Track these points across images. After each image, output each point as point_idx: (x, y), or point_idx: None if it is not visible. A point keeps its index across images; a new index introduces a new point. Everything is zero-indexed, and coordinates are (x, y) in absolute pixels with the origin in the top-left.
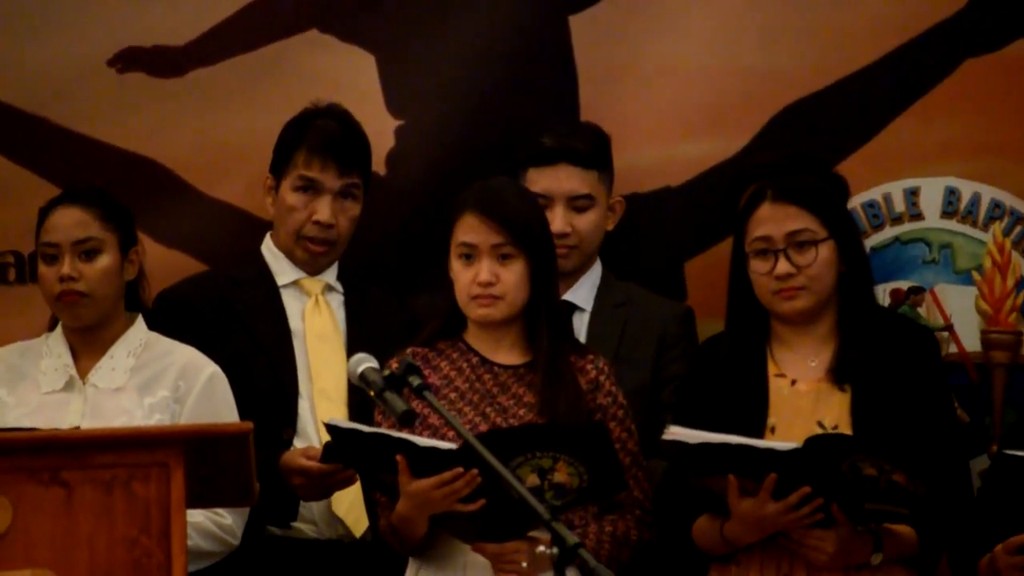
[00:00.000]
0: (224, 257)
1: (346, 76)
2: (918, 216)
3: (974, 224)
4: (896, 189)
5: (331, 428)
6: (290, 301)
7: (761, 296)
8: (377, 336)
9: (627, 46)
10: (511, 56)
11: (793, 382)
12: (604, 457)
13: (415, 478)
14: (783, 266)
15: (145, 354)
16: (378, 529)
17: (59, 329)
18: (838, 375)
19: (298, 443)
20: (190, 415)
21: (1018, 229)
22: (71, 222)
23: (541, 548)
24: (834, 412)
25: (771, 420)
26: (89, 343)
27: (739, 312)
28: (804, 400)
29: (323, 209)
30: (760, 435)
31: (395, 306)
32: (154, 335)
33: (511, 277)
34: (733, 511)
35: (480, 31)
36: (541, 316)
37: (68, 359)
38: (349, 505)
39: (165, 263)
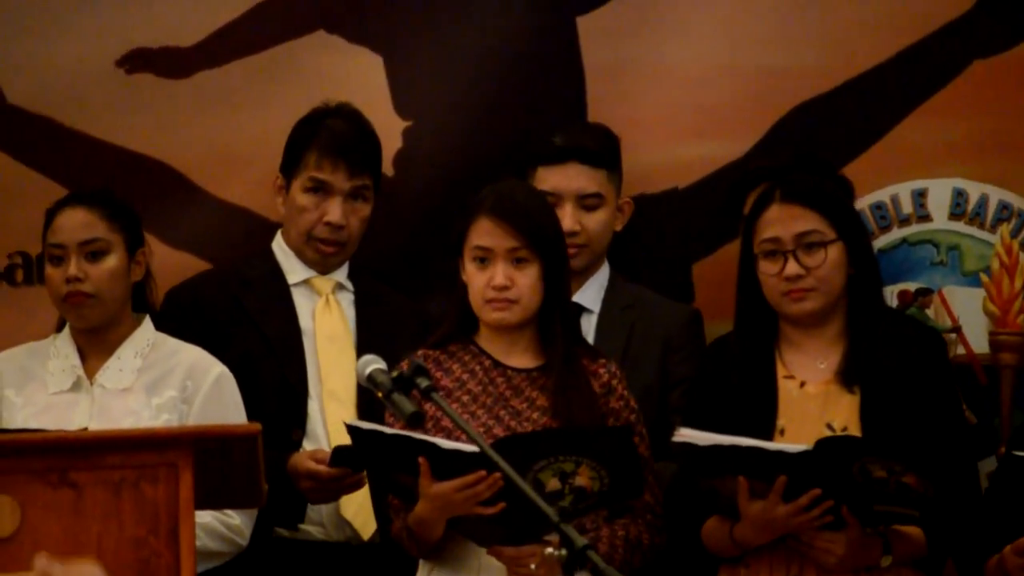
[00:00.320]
0: (232, 258)
1: (354, 77)
2: (926, 218)
3: (982, 226)
4: (904, 191)
5: (352, 429)
6: (301, 300)
7: (770, 297)
8: (387, 336)
9: (635, 47)
10: (519, 57)
11: (802, 384)
12: (627, 460)
13: (436, 480)
14: (792, 267)
15: (152, 354)
16: (390, 531)
17: (67, 330)
18: (847, 377)
19: (307, 444)
20: (198, 415)
21: None
22: (77, 223)
23: (550, 550)
24: (843, 414)
25: (780, 422)
26: (96, 344)
27: (748, 314)
28: (813, 402)
29: (334, 210)
30: (769, 437)
31: (406, 305)
32: (161, 336)
33: (526, 281)
34: (743, 513)
35: (488, 32)
36: (555, 319)
37: (76, 360)
38: (357, 508)
39: (172, 264)
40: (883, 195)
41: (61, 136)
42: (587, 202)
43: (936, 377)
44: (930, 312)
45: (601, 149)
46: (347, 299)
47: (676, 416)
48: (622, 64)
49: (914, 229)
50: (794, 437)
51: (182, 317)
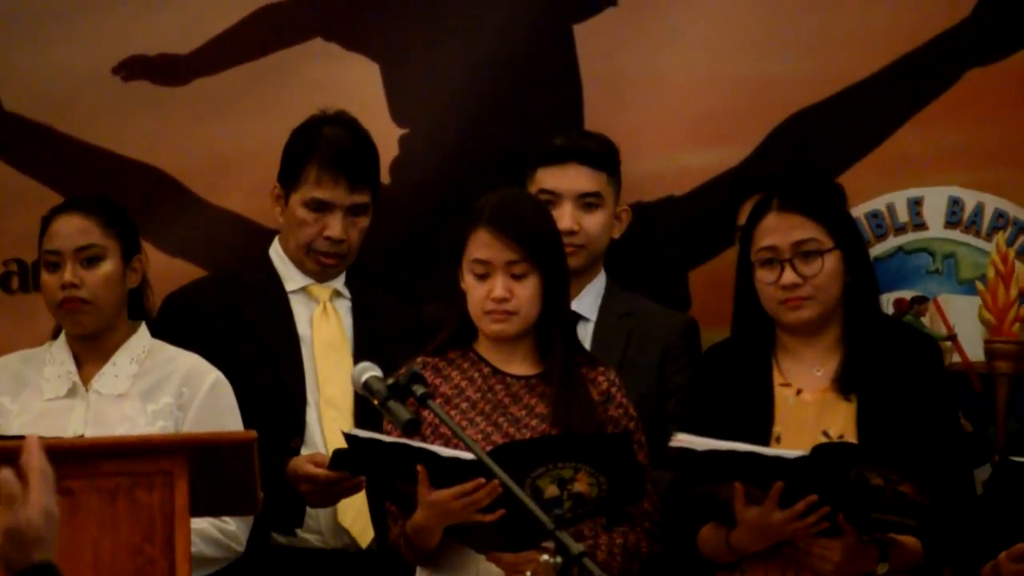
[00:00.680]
0: (228, 266)
1: (350, 85)
2: (922, 226)
3: (977, 234)
4: (900, 199)
5: (349, 438)
6: (298, 307)
7: (767, 305)
8: (385, 343)
9: (631, 55)
10: (515, 65)
11: (798, 392)
12: (626, 467)
13: (434, 488)
14: (789, 276)
15: (148, 361)
16: (388, 539)
17: (62, 337)
18: (843, 385)
19: (305, 452)
20: (193, 422)
21: (1022, 239)
22: (73, 229)
23: (546, 557)
24: (839, 422)
25: (776, 429)
26: (92, 351)
27: (745, 321)
28: (809, 410)
29: (335, 225)
30: (765, 444)
31: (403, 311)
32: (157, 343)
33: (525, 293)
34: (739, 519)
35: (484, 40)
36: (554, 327)
37: (71, 366)
38: (355, 515)
39: (169, 272)
40: (879, 203)
41: (58, 143)
42: (587, 201)
43: (932, 385)
44: (926, 320)
45: (602, 152)
46: (344, 306)
47: (672, 424)
48: (619, 73)
49: (910, 237)
50: (790, 444)
51: (179, 324)
